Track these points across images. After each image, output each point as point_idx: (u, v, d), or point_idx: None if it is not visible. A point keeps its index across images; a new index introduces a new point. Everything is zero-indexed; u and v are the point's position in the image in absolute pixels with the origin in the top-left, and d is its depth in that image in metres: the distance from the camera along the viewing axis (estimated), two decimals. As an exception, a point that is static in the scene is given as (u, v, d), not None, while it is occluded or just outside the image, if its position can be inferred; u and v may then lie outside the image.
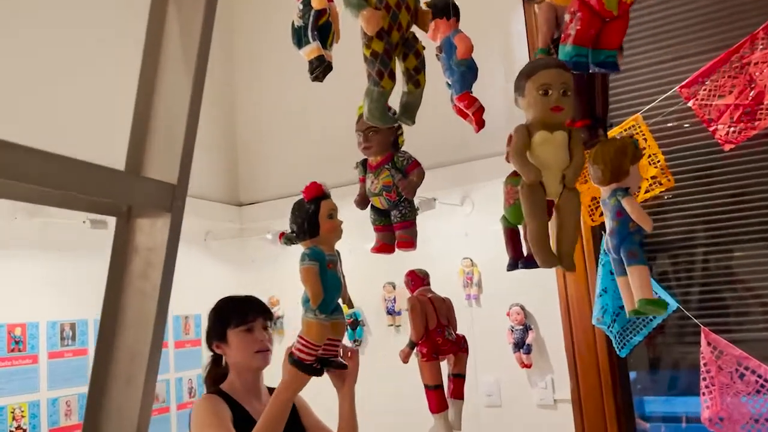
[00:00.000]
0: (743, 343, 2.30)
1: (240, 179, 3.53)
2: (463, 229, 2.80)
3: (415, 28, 1.08)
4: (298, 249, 1.05)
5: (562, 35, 1.06)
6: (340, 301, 1.03)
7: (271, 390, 1.71)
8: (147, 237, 0.66)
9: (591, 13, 1.01)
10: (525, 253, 1.24)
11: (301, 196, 1.03)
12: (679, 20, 2.63)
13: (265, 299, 3.33)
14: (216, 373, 1.85)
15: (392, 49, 0.92)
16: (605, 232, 1.18)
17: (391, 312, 2.96)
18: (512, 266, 1.28)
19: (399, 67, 0.95)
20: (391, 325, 2.97)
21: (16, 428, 2.30)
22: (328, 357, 1.02)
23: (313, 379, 1.09)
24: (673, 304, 2.38)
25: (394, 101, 1.11)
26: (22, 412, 2.33)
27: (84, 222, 2.24)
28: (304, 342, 0.96)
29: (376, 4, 0.88)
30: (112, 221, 2.18)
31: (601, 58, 1.04)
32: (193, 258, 3.10)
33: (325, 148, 3.17)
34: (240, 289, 3.67)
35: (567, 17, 1.04)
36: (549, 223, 1.01)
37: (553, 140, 0.93)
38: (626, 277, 1.05)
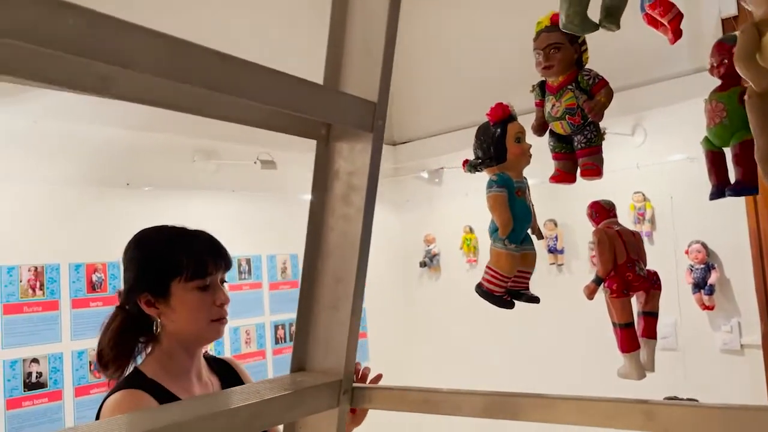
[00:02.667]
0: None
1: (393, 118, 3.52)
2: (634, 161, 2.58)
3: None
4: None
5: None
6: (529, 231, 0.97)
7: (213, 360, 1.36)
8: (347, 161, 0.63)
9: None
10: (732, 179, 1.09)
11: (485, 120, 0.96)
12: None
13: (420, 237, 3.40)
14: (132, 348, 1.22)
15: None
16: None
17: (552, 250, 2.84)
18: (717, 194, 1.13)
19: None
20: (553, 263, 2.86)
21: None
22: (519, 289, 0.97)
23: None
24: None
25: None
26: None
27: (255, 162, 2.34)
28: (493, 272, 0.91)
29: None
30: (281, 161, 2.25)
31: None
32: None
33: (478, 84, 3.05)
34: (400, 228, 3.70)
35: None
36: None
37: (790, 38, 0.78)
38: None
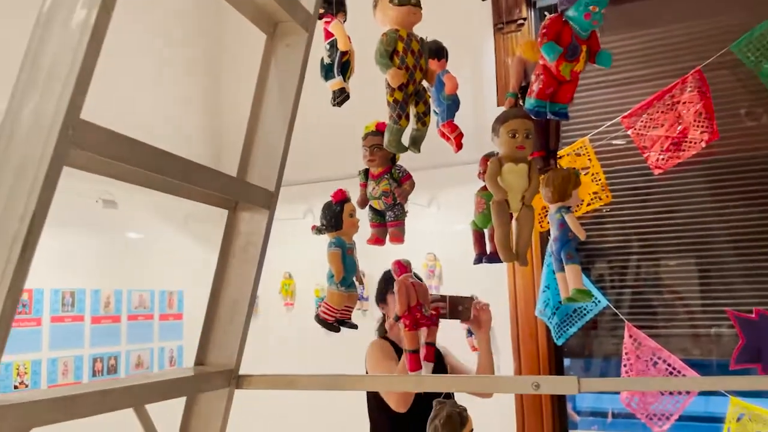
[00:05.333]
0: (659, 338, 2.74)
1: (223, 151, 3.76)
2: (428, 228, 3.16)
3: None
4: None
5: (528, 90, 1.42)
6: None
7: None
8: (248, 224, 0.97)
9: (550, 77, 1.36)
10: (488, 251, 1.60)
11: (329, 199, 1.35)
12: (626, 60, 3.05)
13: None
14: (382, 325, 2.50)
15: (408, 98, 1.25)
16: (550, 237, 1.54)
17: (359, 298, 3.30)
18: (478, 261, 1.62)
19: (411, 111, 1.28)
20: (359, 309, 3.31)
21: (20, 383, 2.55)
22: (344, 319, 1.35)
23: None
24: (603, 302, 2.81)
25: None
26: (26, 369, 2.57)
27: (97, 201, 2.49)
28: (327, 306, 1.28)
29: (399, 64, 1.21)
30: (121, 201, 2.45)
31: (556, 109, 1.40)
32: (173, 238, 3.35)
33: (315, 145, 3.47)
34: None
35: (533, 77, 1.40)
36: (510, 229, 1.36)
37: (517, 170, 1.28)
38: (564, 273, 1.42)
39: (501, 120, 1.31)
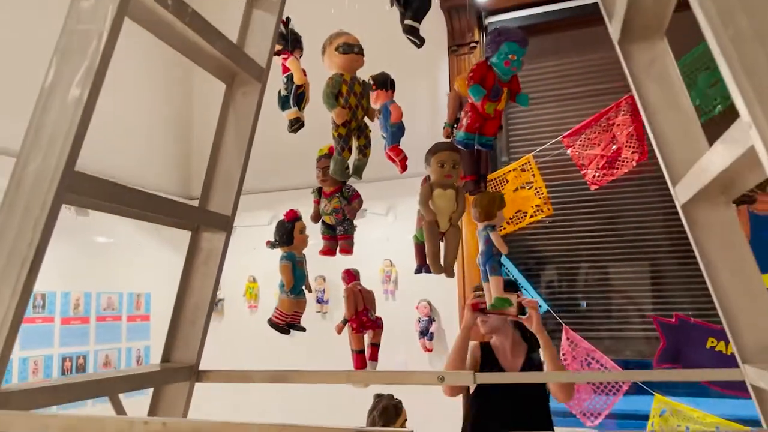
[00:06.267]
0: (594, 340, 2.99)
1: (195, 175, 3.95)
2: (385, 235, 3.36)
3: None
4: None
5: (458, 124, 1.63)
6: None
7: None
8: (208, 242, 1.16)
9: (476, 114, 1.57)
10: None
11: (282, 217, 1.54)
12: (569, 83, 3.29)
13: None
14: None
15: (351, 133, 1.44)
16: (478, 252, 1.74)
17: (320, 301, 3.49)
18: (418, 271, 1.82)
19: (354, 143, 1.47)
20: (319, 312, 3.49)
21: (-9, 381, 2.67)
22: (294, 323, 1.53)
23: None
24: (544, 307, 3.04)
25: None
26: (-3, 367, 2.70)
27: (69, 209, 2.63)
28: (279, 311, 1.47)
29: (343, 104, 1.41)
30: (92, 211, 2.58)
31: (483, 141, 1.61)
32: (141, 243, 3.50)
33: (273, 155, 3.64)
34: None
35: (462, 113, 1.61)
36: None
37: (445, 195, 1.49)
38: (488, 283, 1.63)
39: (432, 152, 1.51)
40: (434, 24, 3.34)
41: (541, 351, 2.23)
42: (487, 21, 3.36)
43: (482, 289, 2.25)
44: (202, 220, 1.11)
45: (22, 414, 0.72)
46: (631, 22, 0.97)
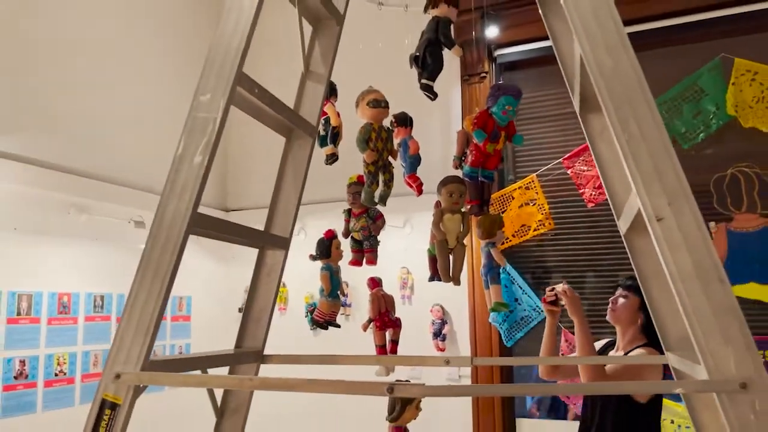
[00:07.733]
0: (590, 342, 3.31)
1: (228, 186, 4.34)
2: (402, 246, 3.72)
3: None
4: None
5: (465, 159, 1.99)
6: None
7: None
8: (271, 258, 1.53)
9: (479, 152, 1.94)
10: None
11: (321, 235, 1.92)
12: (570, 109, 3.63)
13: (242, 287, 4.20)
14: None
15: (377, 169, 1.81)
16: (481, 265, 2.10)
17: (344, 304, 3.86)
18: (431, 279, 2.18)
19: (380, 178, 1.84)
20: (342, 314, 3.86)
21: (59, 371, 3.07)
22: (330, 320, 1.90)
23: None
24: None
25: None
26: (64, 359, 3.10)
27: (129, 222, 3.02)
28: (320, 311, 1.84)
29: (372, 147, 1.78)
30: (149, 222, 2.99)
31: (485, 174, 1.97)
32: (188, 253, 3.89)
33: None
34: (225, 279, 4.49)
35: (468, 151, 1.97)
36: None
37: (453, 218, 1.85)
38: (489, 291, 1.99)
39: (443, 183, 1.88)
40: (448, 56, 3.70)
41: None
42: (496, 53, 3.73)
43: (553, 289, 2.66)
44: (266, 240, 1.48)
45: (172, 375, 1.09)
46: (585, 97, 1.33)
